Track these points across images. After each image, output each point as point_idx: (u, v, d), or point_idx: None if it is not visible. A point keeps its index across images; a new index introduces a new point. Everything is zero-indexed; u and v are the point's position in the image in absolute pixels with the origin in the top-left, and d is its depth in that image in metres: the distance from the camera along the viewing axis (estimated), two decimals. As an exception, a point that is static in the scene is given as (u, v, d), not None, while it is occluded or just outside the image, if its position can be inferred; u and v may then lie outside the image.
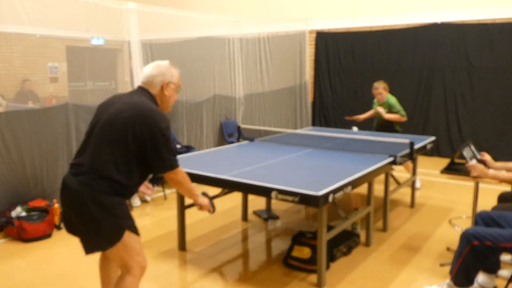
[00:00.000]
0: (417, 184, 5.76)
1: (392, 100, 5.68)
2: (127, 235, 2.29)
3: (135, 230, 2.35)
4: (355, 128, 5.74)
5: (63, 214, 2.47)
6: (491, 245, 2.61)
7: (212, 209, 2.64)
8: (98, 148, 2.26)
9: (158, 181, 5.33)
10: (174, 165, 2.34)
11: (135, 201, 5.15)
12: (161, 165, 2.31)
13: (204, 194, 2.68)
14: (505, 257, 3.39)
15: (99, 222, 2.22)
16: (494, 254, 2.72)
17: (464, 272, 2.75)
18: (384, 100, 5.70)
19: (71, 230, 2.43)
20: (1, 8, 4.44)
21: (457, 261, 2.76)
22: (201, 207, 2.60)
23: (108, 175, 2.23)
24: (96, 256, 3.69)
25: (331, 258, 3.57)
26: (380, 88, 5.70)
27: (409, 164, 5.44)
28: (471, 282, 2.79)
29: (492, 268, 2.95)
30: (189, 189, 2.49)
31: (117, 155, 2.24)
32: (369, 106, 5.89)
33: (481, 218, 3.00)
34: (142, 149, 2.26)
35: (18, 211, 4.22)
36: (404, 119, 5.61)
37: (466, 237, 2.71)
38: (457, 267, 2.76)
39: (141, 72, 2.49)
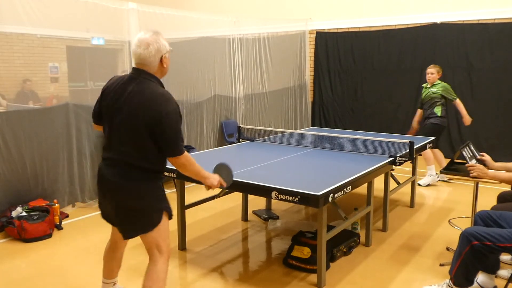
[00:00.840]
0: (422, 181, 5.98)
1: (443, 84, 6.02)
2: (164, 218, 2.42)
3: (170, 213, 2.48)
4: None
5: (100, 204, 2.55)
6: (490, 245, 2.62)
7: (225, 184, 2.61)
8: (125, 140, 2.32)
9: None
10: (181, 150, 2.35)
11: None
12: (168, 149, 2.33)
13: (218, 167, 2.64)
14: (504, 257, 3.40)
15: (141, 208, 2.34)
16: (493, 254, 2.72)
17: (463, 272, 2.75)
18: (434, 83, 6.03)
19: (107, 218, 2.55)
20: (1, 8, 4.44)
21: (456, 261, 2.76)
22: (211, 187, 2.59)
23: (139, 164, 2.30)
24: (96, 255, 3.70)
25: (331, 258, 3.58)
26: (434, 70, 6.02)
27: (431, 154, 5.88)
28: (471, 282, 2.79)
29: (492, 268, 2.96)
30: (196, 172, 2.48)
31: (142, 144, 2.29)
32: (369, 106, 5.90)
33: (480, 218, 3.00)
34: (154, 134, 2.28)
35: (19, 211, 4.22)
36: (459, 101, 6.05)
37: (465, 237, 2.71)
38: (456, 267, 2.76)
39: (133, 52, 2.37)
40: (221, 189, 2.61)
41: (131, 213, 2.36)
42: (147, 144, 2.29)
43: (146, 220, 2.37)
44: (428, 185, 6.00)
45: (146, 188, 2.35)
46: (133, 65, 2.43)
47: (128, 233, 2.44)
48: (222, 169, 2.65)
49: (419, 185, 5.92)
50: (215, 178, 2.57)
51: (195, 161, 2.46)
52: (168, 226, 2.48)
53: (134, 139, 2.29)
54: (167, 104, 2.28)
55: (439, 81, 6.06)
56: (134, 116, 2.28)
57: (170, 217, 2.48)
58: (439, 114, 6.04)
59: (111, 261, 2.74)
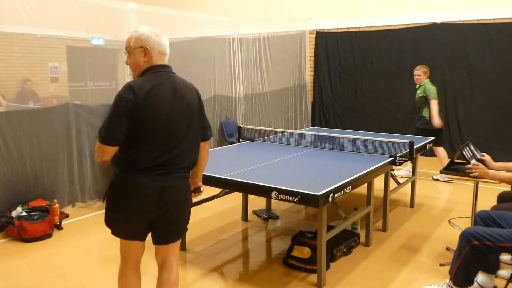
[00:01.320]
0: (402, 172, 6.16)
1: (429, 85, 5.98)
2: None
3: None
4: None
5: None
6: (490, 245, 2.62)
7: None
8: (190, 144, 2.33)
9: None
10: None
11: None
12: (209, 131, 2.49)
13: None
14: (504, 257, 3.40)
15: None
16: (493, 254, 2.72)
17: (463, 272, 2.75)
18: (421, 83, 6.03)
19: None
20: (1, 8, 4.44)
21: (456, 261, 2.76)
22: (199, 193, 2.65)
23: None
24: (96, 255, 3.70)
25: (331, 258, 3.58)
26: (421, 71, 6.02)
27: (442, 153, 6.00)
28: (471, 282, 2.79)
29: (492, 268, 2.96)
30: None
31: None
32: (369, 106, 5.91)
33: (480, 218, 3.00)
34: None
35: (19, 211, 4.22)
36: (435, 102, 5.91)
37: (465, 236, 2.71)
38: (456, 267, 2.76)
39: (164, 46, 2.31)
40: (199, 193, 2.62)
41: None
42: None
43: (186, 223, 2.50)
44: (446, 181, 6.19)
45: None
46: (160, 62, 2.28)
47: (173, 238, 2.41)
48: None
49: (438, 180, 6.17)
50: None
51: None
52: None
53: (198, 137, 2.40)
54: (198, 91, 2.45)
55: (425, 82, 6.03)
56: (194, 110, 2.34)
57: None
58: (427, 117, 5.97)
59: (136, 282, 2.40)
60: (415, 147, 4.08)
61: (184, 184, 2.32)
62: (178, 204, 2.31)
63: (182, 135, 2.24)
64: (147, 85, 2.15)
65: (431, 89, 5.97)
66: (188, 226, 2.52)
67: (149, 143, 2.16)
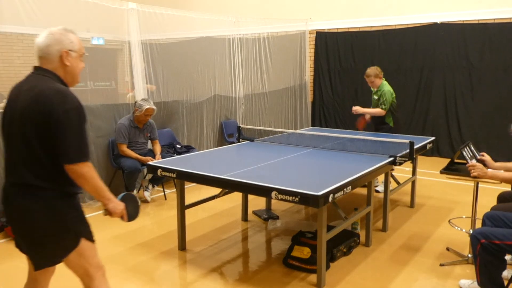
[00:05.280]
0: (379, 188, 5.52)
1: (385, 89, 5.33)
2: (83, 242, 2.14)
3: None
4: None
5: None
6: (499, 244, 2.62)
7: (127, 218, 2.25)
8: (22, 154, 2.02)
9: (158, 181, 5.34)
10: (79, 156, 1.99)
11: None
12: (64, 154, 1.98)
13: (127, 197, 2.29)
14: (505, 257, 3.39)
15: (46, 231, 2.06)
16: (502, 253, 2.71)
17: (487, 275, 2.71)
18: (378, 87, 5.41)
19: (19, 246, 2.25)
20: (1, 8, 4.44)
21: (476, 266, 2.74)
22: (110, 213, 2.18)
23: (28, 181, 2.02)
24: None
25: (331, 258, 3.58)
26: (372, 77, 5.37)
27: None
28: (501, 285, 2.74)
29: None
30: (97, 188, 2.08)
31: (43, 154, 2.00)
32: (369, 106, 5.89)
33: (488, 219, 3.01)
34: (48, 137, 1.98)
35: (18, 211, 4.21)
36: (382, 112, 5.33)
37: (474, 237, 2.73)
38: (478, 272, 2.74)
39: (35, 44, 2.12)
40: (121, 219, 2.26)
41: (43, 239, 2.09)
42: (40, 154, 2.00)
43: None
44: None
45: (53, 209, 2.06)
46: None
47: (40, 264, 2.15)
48: (130, 201, 2.29)
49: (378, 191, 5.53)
50: (119, 205, 2.19)
51: (98, 177, 2.08)
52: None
53: (28, 148, 2.01)
54: (65, 101, 1.98)
55: (381, 85, 5.40)
56: (24, 120, 2.00)
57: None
58: (391, 123, 5.42)
59: None
60: (415, 147, 4.08)
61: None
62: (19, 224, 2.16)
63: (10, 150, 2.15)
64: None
65: (388, 96, 5.30)
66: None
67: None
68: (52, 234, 2.05)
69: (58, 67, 2.09)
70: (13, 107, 2.06)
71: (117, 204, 2.18)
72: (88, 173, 2.02)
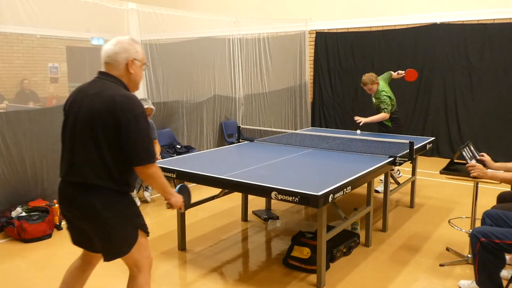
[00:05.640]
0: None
1: (383, 94, 5.38)
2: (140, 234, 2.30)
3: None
4: (358, 131, 5.56)
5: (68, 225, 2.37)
6: (499, 243, 2.62)
7: (183, 208, 2.50)
8: (85, 155, 2.13)
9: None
10: (148, 158, 2.14)
11: (135, 200, 5.16)
12: (136, 156, 2.11)
13: (182, 189, 2.53)
14: (505, 256, 3.39)
15: (114, 227, 2.18)
16: (502, 252, 2.71)
17: (486, 275, 2.71)
18: (376, 92, 5.44)
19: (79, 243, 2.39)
20: (1, 8, 4.44)
21: (475, 265, 2.74)
22: (171, 206, 2.41)
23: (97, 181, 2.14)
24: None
25: (331, 258, 3.58)
26: (369, 85, 5.39)
27: None
28: (499, 285, 2.73)
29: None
30: (163, 185, 2.28)
31: (107, 156, 2.11)
32: (369, 107, 5.89)
33: (488, 217, 3.01)
34: (118, 140, 2.10)
35: (18, 211, 4.22)
36: (386, 116, 5.37)
37: (474, 235, 2.73)
38: (477, 272, 2.74)
39: (102, 51, 2.24)
40: (179, 209, 2.52)
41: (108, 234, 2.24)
42: (109, 154, 2.14)
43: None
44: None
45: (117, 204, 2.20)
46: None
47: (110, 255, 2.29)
48: (184, 192, 2.54)
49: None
50: (179, 198, 2.41)
51: (162, 174, 2.27)
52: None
53: (96, 149, 2.13)
54: (135, 106, 2.12)
55: (379, 89, 5.41)
56: (94, 122, 2.11)
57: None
58: (390, 125, 5.49)
59: (76, 282, 2.46)
60: (415, 147, 4.08)
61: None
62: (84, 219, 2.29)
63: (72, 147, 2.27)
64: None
65: (387, 100, 5.35)
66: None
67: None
68: (117, 228, 2.17)
69: (123, 74, 2.23)
70: (77, 109, 2.16)
71: (178, 198, 2.39)
72: (156, 173, 2.19)
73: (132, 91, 2.27)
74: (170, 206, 2.40)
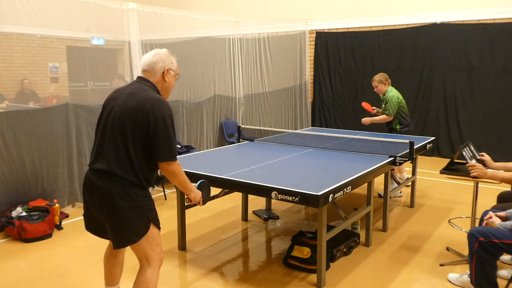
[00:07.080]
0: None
1: (390, 95, 5.40)
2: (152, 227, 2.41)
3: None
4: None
5: (86, 213, 2.53)
6: (498, 243, 2.62)
7: (202, 203, 2.64)
8: (113, 146, 2.31)
9: (158, 181, 5.34)
10: (171, 156, 2.34)
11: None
12: (159, 154, 2.31)
13: (202, 184, 2.66)
14: (504, 257, 3.40)
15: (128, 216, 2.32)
16: (500, 252, 2.71)
17: (483, 274, 2.71)
18: (384, 93, 5.48)
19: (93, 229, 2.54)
20: (1, 8, 4.44)
21: (472, 264, 2.74)
22: (191, 201, 2.60)
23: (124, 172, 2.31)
24: (96, 255, 3.70)
25: (331, 258, 3.58)
26: (376, 82, 5.50)
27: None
28: (495, 285, 2.73)
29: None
30: (183, 182, 2.47)
31: (132, 150, 2.29)
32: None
33: None
34: (145, 137, 2.29)
35: (19, 211, 4.22)
36: (389, 118, 5.43)
37: (472, 235, 2.73)
38: (474, 271, 2.74)
39: (141, 60, 2.52)
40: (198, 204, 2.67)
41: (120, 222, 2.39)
42: (139, 148, 2.33)
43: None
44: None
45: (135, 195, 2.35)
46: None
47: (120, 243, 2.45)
48: (204, 188, 2.67)
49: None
50: (198, 193, 2.59)
51: (183, 171, 2.47)
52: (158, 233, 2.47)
53: (127, 144, 2.32)
54: (164, 108, 2.32)
55: (388, 91, 5.46)
56: (127, 119, 2.31)
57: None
58: (398, 128, 5.45)
59: (114, 267, 2.67)
60: (415, 147, 4.08)
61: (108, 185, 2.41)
62: (102, 206, 2.43)
63: (105, 141, 2.44)
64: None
65: (393, 103, 5.36)
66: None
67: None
68: (129, 217, 2.31)
69: (159, 81, 2.47)
70: (113, 105, 2.37)
71: (197, 193, 2.57)
72: (177, 170, 2.39)
73: (164, 98, 2.47)
74: (189, 201, 2.57)
